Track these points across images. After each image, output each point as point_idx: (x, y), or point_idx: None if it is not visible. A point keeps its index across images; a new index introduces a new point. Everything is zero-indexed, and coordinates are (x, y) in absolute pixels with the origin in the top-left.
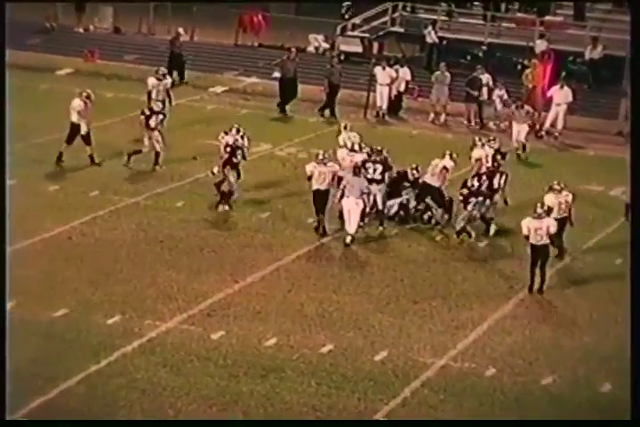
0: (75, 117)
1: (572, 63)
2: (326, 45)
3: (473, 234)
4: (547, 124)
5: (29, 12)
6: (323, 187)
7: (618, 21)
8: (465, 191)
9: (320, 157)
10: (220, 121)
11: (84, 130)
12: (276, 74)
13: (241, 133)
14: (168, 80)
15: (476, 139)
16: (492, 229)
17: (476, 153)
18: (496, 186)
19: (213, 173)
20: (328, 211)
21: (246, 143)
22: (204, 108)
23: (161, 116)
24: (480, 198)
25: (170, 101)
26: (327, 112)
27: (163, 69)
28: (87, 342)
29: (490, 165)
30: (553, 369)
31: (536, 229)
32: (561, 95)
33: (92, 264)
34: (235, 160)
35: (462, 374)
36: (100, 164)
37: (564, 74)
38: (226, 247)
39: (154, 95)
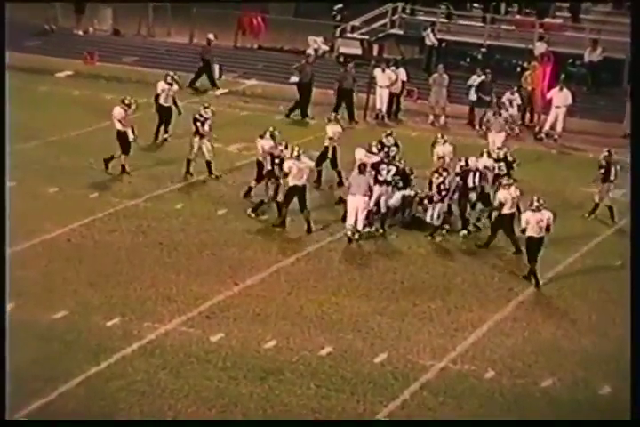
0: (119, 126)
1: (572, 65)
2: (326, 48)
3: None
4: (546, 127)
5: (29, 14)
6: (301, 183)
7: (617, 24)
8: (441, 185)
9: (295, 153)
10: (220, 123)
11: (130, 137)
12: (294, 78)
13: (284, 143)
14: (175, 87)
15: (439, 135)
16: (463, 232)
17: (439, 150)
18: (471, 185)
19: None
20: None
21: (288, 154)
22: None
23: (209, 122)
24: (454, 191)
25: (177, 107)
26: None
27: (171, 74)
28: (87, 343)
29: (463, 163)
30: (552, 371)
31: (537, 221)
32: (560, 97)
33: (91, 266)
34: (277, 172)
35: (462, 376)
36: (129, 173)
37: (563, 76)
38: (225, 249)
39: (162, 99)
